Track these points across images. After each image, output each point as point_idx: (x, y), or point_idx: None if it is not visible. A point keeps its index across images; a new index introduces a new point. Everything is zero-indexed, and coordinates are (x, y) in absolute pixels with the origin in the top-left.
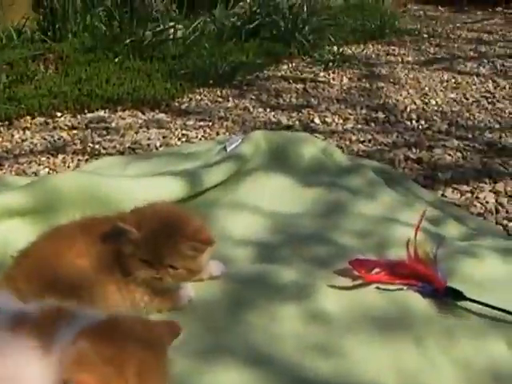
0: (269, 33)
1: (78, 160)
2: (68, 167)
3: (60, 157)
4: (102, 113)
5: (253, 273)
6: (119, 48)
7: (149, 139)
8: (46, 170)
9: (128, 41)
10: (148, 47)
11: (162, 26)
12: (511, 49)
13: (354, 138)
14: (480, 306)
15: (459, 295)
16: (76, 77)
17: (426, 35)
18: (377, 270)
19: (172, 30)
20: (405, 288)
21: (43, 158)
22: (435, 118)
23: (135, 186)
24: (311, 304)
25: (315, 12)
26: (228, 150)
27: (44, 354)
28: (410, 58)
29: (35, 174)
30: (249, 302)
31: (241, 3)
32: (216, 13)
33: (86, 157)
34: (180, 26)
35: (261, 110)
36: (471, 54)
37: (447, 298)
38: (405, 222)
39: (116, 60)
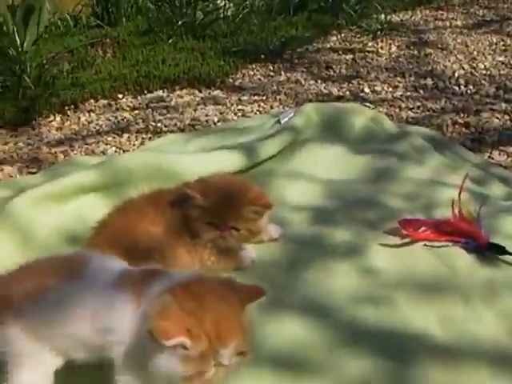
0: (316, 5)
1: (142, 138)
2: (133, 145)
3: (125, 136)
4: (160, 93)
5: (308, 234)
6: (172, 29)
7: (207, 115)
8: (113, 148)
9: (180, 22)
10: (200, 27)
11: (211, 6)
12: None
13: (403, 105)
14: None
15: (501, 250)
16: (133, 60)
17: None
18: (424, 228)
19: (222, 9)
20: (450, 244)
21: (109, 138)
22: (483, 82)
23: (196, 161)
24: (362, 261)
25: None
26: (282, 122)
27: (136, 308)
28: (458, 22)
29: (103, 153)
30: (305, 261)
31: None
32: None
33: (149, 135)
34: (229, 4)
35: (312, 82)
36: None
37: (490, 252)
38: (451, 184)
39: (170, 41)
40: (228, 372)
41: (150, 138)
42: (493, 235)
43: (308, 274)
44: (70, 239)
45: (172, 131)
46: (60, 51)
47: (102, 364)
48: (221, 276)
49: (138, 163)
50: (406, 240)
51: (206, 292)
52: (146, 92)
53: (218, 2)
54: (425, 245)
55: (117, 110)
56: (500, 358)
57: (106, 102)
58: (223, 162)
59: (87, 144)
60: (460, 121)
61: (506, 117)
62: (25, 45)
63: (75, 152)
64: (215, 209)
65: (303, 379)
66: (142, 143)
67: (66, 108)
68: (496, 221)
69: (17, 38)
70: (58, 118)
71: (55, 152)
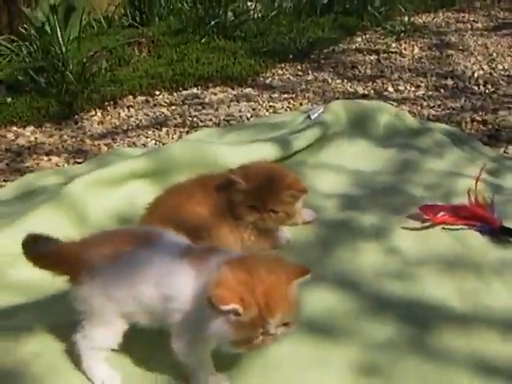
0: (342, 7)
1: (180, 132)
2: (172, 139)
3: (164, 130)
4: (195, 90)
5: (338, 218)
6: (204, 29)
7: (240, 111)
8: (153, 142)
9: (213, 22)
10: (231, 27)
11: (241, 7)
12: None
13: (424, 103)
14: None
15: None
16: (168, 58)
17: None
18: (442, 213)
19: (252, 11)
20: (466, 228)
21: (149, 132)
22: (502, 82)
23: (234, 151)
24: (387, 242)
25: None
26: (312, 118)
27: (197, 279)
28: (479, 25)
29: (144, 145)
30: (336, 241)
31: None
32: None
33: (187, 129)
34: (259, 6)
35: (338, 81)
36: None
37: (502, 235)
38: (468, 175)
39: (202, 41)
40: (275, 340)
41: (187, 132)
42: (505, 220)
43: (338, 252)
44: (120, 220)
45: (208, 126)
46: (98, 50)
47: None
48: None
49: (183, 152)
50: (427, 224)
51: (258, 267)
52: (181, 89)
53: (249, 4)
54: (443, 228)
55: (154, 105)
56: (510, 325)
57: (143, 98)
58: (259, 152)
59: (128, 137)
60: (478, 118)
61: None
62: (67, 43)
63: (118, 144)
64: (256, 193)
65: (335, 342)
66: (180, 137)
67: (106, 104)
68: (509, 208)
69: (59, 36)
70: (98, 113)
71: (98, 144)
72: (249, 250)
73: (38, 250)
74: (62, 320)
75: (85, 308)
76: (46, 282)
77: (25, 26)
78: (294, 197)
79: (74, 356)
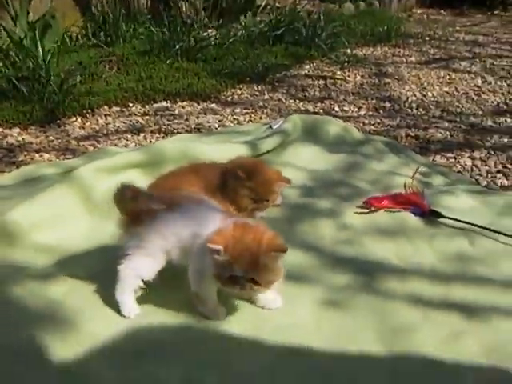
0: (292, 38)
1: (156, 137)
2: (150, 142)
3: (141, 135)
4: (165, 103)
5: (299, 203)
6: (169, 52)
7: (208, 122)
8: (133, 144)
9: (177, 46)
10: (193, 51)
11: (202, 34)
12: (502, 50)
13: (366, 121)
14: (451, 221)
15: (438, 214)
16: (137, 75)
17: (427, 38)
18: (384, 201)
19: (212, 37)
20: (402, 211)
21: (128, 136)
22: (431, 106)
23: (213, 149)
24: (340, 219)
25: (331, 19)
26: (273, 128)
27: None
28: (412, 59)
29: (125, 146)
30: (298, 219)
31: (266, 11)
32: (245, 21)
33: (162, 135)
34: (217, 33)
35: (291, 101)
36: (466, 54)
37: (430, 216)
38: (404, 174)
39: (168, 62)
40: (248, 295)
41: (163, 137)
42: (434, 206)
43: (301, 226)
44: None
45: (181, 133)
46: (74, 64)
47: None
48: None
49: (172, 147)
50: (372, 209)
51: (250, 234)
52: (152, 102)
53: (209, 31)
54: (385, 211)
55: (129, 115)
56: (435, 272)
57: (118, 108)
58: (234, 151)
59: (110, 140)
60: (411, 134)
61: (447, 132)
62: (47, 57)
63: (101, 145)
64: (256, 187)
65: (303, 286)
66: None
67: (85, 112)
68: (437, 198)
69: (39, 50)
70: (79, 119)
71: (83, 145)
72: None
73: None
74: (83, 271)
75: (138, 243)
76: (63, 244)
77: None
78: (280, 187)
79: (99, 295)
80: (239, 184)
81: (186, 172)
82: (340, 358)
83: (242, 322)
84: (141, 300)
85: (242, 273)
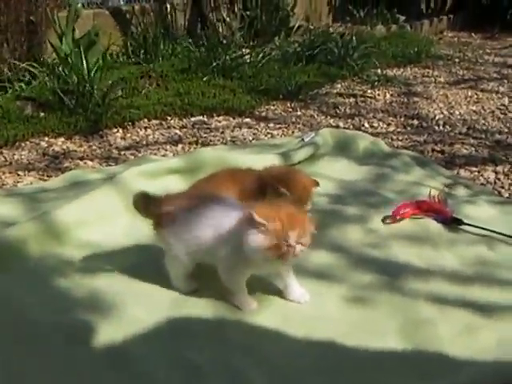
0: (325, 58)
1: (194, 148)
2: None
3: (179, 146)
4: (201, 117)
5: (329, 208)
6: (206, 69)
7: (243, 135)
8: (171, 154)
9: (214, 64)
10: (229, 69)
11: (238, 52)
12: None
13: (394, 137)
14: (473, 229)
15: (460, 222)
16: (175, 91)
17: (457, 60)
18: (408, 209)
19: (247, 56)
20: (426, 217)
21: (167, 147)
22: (458, 124)
23: (250, 158)
24: (367, 225)
25: (362, 41)
26: (305, 140)
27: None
28: (441, 79)
29: (164, 156)
30: (327, 224)
31: (299, 33)
32: (279, 41)
33: (200, 146)
34: (252, 53)
35: (323, 117)
36: (495, 75)
37: (452, 223)
38: (429, 186)
39: (204, 79)
40: (295, 255)
41: (200, 148)
42: (456, 214)
43: (329, 231)
44: None
45: (217, 144)
46: (115, 80)
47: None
48: None
49: (211, 155)
50: (397, 218)
51: (282, 206)
52: (190, 116)
53: (244, 50)
54: (409, 217)
55: (168, 127)
56: (455, 275)
57: (157, 121)
58: (268, 161)
59: (150, 150)
60: (437, 149)
61: (472, 148)
62: (91, 71)
63: (141, 154)
64: (296, 196)
65: (330, 283)
66: None
67: (126, 124)
68: (459, 207)
69: (84, 66)
70: (120, 131)
71: (124, 154)
72: None
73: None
74: (122, 265)
75: (164, 246)
76: (105, 241)
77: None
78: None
79: (138, 285)
80: (279, 195)
81: (222, 176)
82: (363, 348)
83: (272, 314)
84: (176, 297)
85: (296, 238)
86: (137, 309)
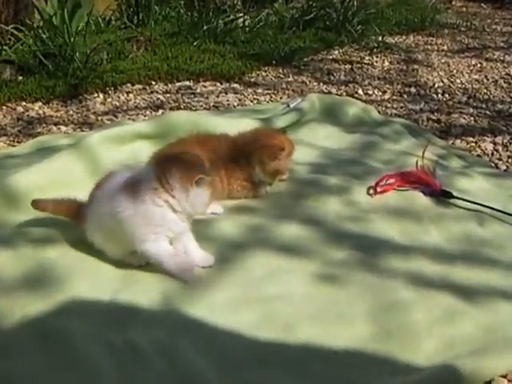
0: (323, 23)
1: None
2: None
3: (160, 111)
4: (187, 82)
5: (308, 178)
6: (197, 34)
7: (228, 101)
8: None
9: (205, 28)
10: (221, 33)
11: (231, 16)
12: None
13: (389, 105)
14: (463, 203)
15: (450, 195)
16: (163, 55)
17: (463, 28)
18: (393, 180)
19: (241, 20)
20: (412, 189)
21: (147, 112)
22: (458, 92)
23: (226, 122)
24: (347, 196)
25: (364, 6)
26: (291, 106)
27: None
28: (444, 47)
29: None
30: (304, 194)
31: None
32: (277, 6)
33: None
34: (247, 17)
35: (315, 83)
36: (501, 44)
37: (441, 196)
38: (419, 156)
39: (195, 43)
40: None
41: None
42: (448, 188)
43: (306, 201)
44: None
45: (199, 110)
46: (100, 43)
47: None
48: None
49: (182, 118)
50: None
51: None
52: (175, 81)
53: (240, 15)
54: (394, 189)
55: (151, 93)
56: (439, 252)
57: (141, 86)
58: (248, 126)
59: (128, 115)
60: (433, 118)
61: (471, 118)
62: (74, 34)
63: (119, 120)
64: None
65: (301, 258)
66: None
67: (107, 89)
68: (451, 179)
69: (67, 27)
70: (101, 95)
71: (101, 119)
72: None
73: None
74: (78, 235)
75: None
76: None
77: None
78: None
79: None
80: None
81: (191, 142)
82: (324, 335)
83: (228, 291)
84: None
85: None
86: (82, 283)
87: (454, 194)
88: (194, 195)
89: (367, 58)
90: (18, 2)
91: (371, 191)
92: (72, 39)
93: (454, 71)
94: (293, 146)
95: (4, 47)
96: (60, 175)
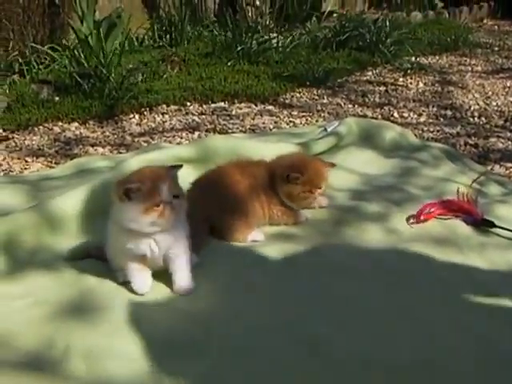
0: (356, 44)
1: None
2: None
3: (196, 133)
4: (222, 104)
5: (348, 205)
6: (231, 54)
7: (263, 123)
8: (187, 142)
9: (239, 48)
10: (255, 54)
11: (265, 37)
12: None
13: (425, 128)
14: (505, 232)
15: (491, 224)
16: (197, 76)
17: (496, 48)
18: (433, 208)
19: (274, 40)
20: (454, 218)
21: (183, 134)
22: (494, 115)
23: (264, 146)
24: (388, 224)
25: (396, 26)
26: (328, 130)
27: None
28: (479, 68)
29: (179, 144)
30: (345, 222)
31: (332, 19)
32: (310, 26)
33: (217, 134)
34: (280, 37)
35: (350, 106)
36: None
37: (483, 225)
38: (459, 182)
39: (229, 64)
40: None
41: None
42: (488, 216)
43: (347, 229)
44: None
45: (235, 133)
46: (135, 63)
47: None
48: None
49: (222, 144)
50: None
51: None
52: (210, 102)
53: (271, 35)
54: (435, 218)
55: (186, 114)
56: (480, 281)
57: (176, 107)
58: (285, 150)
59: (165, 137)
60: (471, 142)
61: (509, 142)
62: (109, 55)
63: (155, 142)
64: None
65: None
66: None
67: (143, 109)
68: (491, 207)
69: (103, 48)
70: (136, 116)
71: (138, 141)
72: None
73: None
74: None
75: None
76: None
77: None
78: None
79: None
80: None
81: (232, 168)
82: None
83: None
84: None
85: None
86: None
87: (496, 223)
88: (126, 210)
89: (401, 79)
90: (54, 22)
91: (412, 220)
92: (108, 59)
93: (490, 93)
94: (321, 174)
95: (40, 67)
96: (99, 200)
